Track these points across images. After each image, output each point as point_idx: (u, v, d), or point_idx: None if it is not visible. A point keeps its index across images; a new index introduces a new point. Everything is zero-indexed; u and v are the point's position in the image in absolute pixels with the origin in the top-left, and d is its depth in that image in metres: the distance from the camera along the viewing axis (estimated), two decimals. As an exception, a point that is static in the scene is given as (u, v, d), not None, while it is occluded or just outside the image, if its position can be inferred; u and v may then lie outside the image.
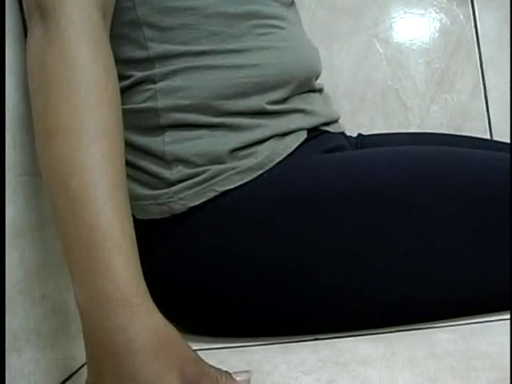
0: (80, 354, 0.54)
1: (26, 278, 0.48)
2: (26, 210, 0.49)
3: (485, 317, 0.52)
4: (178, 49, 0.57)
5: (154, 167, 0.57)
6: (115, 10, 0.55)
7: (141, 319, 0.39)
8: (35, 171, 0.51)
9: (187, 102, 0.56)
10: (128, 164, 0.58)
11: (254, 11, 0.60)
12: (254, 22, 0.60)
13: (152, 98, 0.57)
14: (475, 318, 0.53)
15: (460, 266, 0.52)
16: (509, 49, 1.06)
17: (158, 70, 0.57)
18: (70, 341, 0.54)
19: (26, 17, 0.49)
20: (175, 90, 0.57)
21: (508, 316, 0.51)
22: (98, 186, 0.42)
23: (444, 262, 0.52)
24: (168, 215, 0.57)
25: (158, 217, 0.58)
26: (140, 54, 0.58)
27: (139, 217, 0.58)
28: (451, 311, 0.54)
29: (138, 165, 0.58)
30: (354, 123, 1.06)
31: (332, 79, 1.06)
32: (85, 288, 0.40)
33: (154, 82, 0.57)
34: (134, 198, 0.58)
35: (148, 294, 0.42)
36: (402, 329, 0.53)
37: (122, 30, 0.57)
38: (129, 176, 0.58)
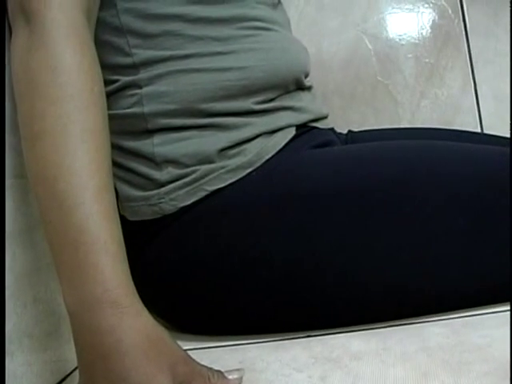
0: (73, 357, 0.54)
1: (17, 282, 0.48)
2: (15, 212, 0.49)
3: (476, 310, 0.52)
4: (163, 54, 0.57)
5: (144, 169, 0.57)
6: (99, 17, 0.55)
7: (130, 320, 0.39)
8: (23, 174, 0.50)
9: (174, 106, 0.56)
10: (118, 166, 0.58)
11: (239, 15, 0.60)
12: (239, 24, 0.60)
13: (138, 103, 0.57)
14: (466, 311, 0.53)
15: (453, 260, 0.52)
16: (496, 42, 1.06)
17: (143, 74, 0.57)
18: (63, 344, 0.54)
19: (10, 20, 0.49)
20: (161, 94, 0.56)
21: (499, 309, 0.51)
22: (86, 189, 0.42)
23: (437, 256, 0.52)
24: (159, 216, 0.57)
25: (150, 217, 0.57)
26: (124, 60, 0.58)
27: (131, 218, 0.58)
28: (444, 305, 0.54)
29: (128, 166, 0.58)
30: (345, 119, 1.06)
31: (322, 76, 1.06)
32: (73, 290, 0.40)
33: (140, 87, 0.57)
34: (125, 200, 0.58)
35: (137, 296, 0.42)
36: (393, 324, 0.53)
37: (106, 36, 0.57)
38: (120, 178, 0.58)
